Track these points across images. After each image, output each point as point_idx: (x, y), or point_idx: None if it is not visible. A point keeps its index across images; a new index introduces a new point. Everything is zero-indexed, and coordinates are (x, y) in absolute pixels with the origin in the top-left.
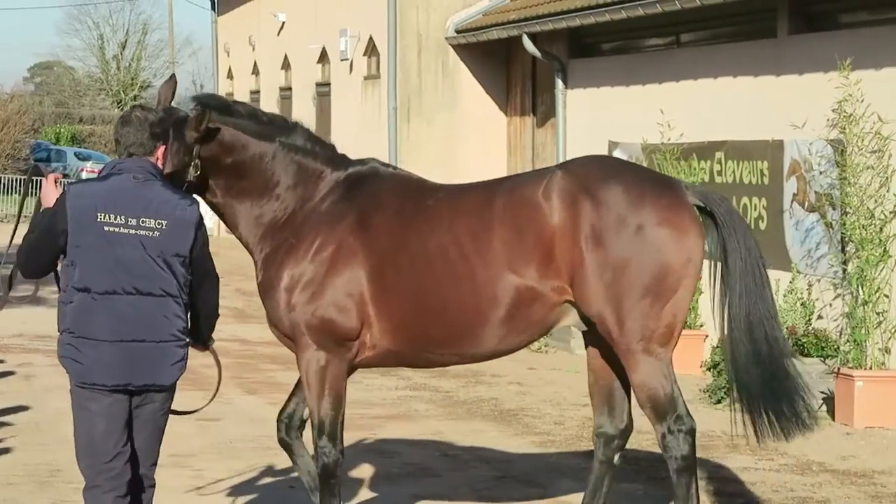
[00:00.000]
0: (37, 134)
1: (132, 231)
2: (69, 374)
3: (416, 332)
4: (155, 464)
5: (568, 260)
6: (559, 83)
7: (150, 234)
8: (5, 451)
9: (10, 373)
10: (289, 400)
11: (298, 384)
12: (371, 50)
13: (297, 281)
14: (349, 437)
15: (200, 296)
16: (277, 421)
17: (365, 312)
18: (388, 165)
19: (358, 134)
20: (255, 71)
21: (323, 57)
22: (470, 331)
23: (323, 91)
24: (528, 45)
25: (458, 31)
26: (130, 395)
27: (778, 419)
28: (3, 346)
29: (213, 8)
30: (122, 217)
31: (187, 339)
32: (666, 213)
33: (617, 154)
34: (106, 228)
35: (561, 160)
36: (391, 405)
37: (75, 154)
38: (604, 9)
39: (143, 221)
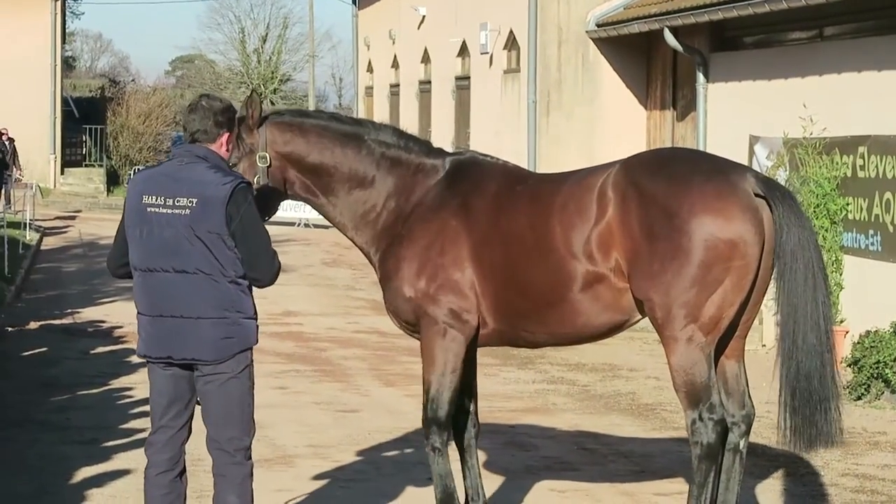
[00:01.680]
0: (178, 126)
1: (168, 211)
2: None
3: (507, 307)
4: (238, 439)
5: (622, 250)
6: (700, 77)
7: (182, 212)
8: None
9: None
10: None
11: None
12: (511, 43)
13: (414, 268)
14: (487, 430)
15: (247, 271)
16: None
17: (473, 290)
18: (486, 156)
19: (497, 128)
20: (395, 64)
21: (463, 50)
22: (550, 308)
23: (462, 84)
24: (670, 38)
25: (598, 25)
26: (182, 369)
27: (808, 427)
28: (134, 336)
29: (353, 2)
30: (161, 198)
31: (241, 317)
32: (709, 202)
33: (758, 149)
34: (148, 210)
35: None
36: (529, 398)
37: None
38: (746, 2)
39: (177, 201)
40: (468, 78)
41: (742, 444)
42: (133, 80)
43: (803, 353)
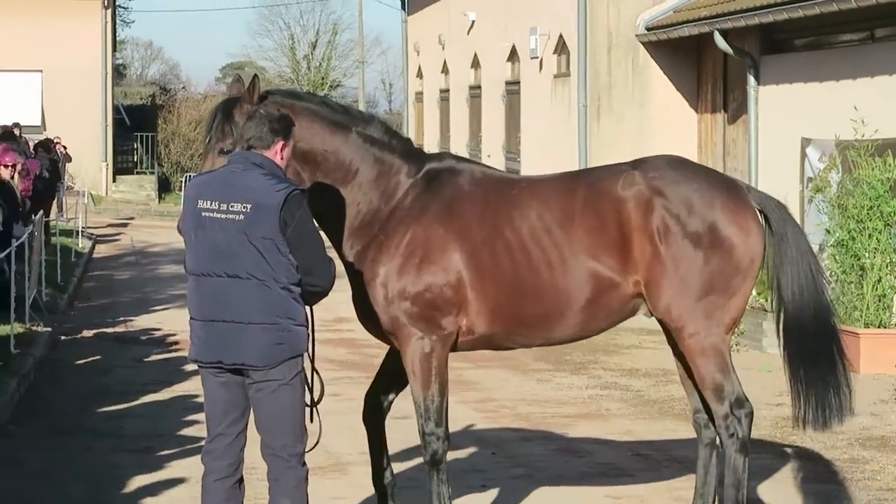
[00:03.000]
0: None
1: (222, 215)
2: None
3: (512, 314)
4: (290, 445)
5: (643, 256)
6: (751, 80)
7: (236, 217)
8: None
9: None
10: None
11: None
12: (561, 48)
13: (393, 275)
14: (540, 437)
15: (302, 279)
16: (367, 401)
17: (463, 297)
18: (461, 158)
19: (547, 132)
20: (445, 69)
21: (512, 55)
22: (560, 313)
23: (512, 89)
24: (720, 41)
25: (648, 29)
26: (235, 374)
27: (823, 410)
28: (188, 344)
29: (402, 7)
30: (216, 203)
31: (292, 323)
32: (735, 216)
33: (810, 151)
34: (203, 214)
35: (752, 158)
36: (582, 404)
37: None
38: (797, 4)
39: (231, 206)
40: (518, 83)
41: (717, 438)
42: (184, 88)
43: (817, 346)
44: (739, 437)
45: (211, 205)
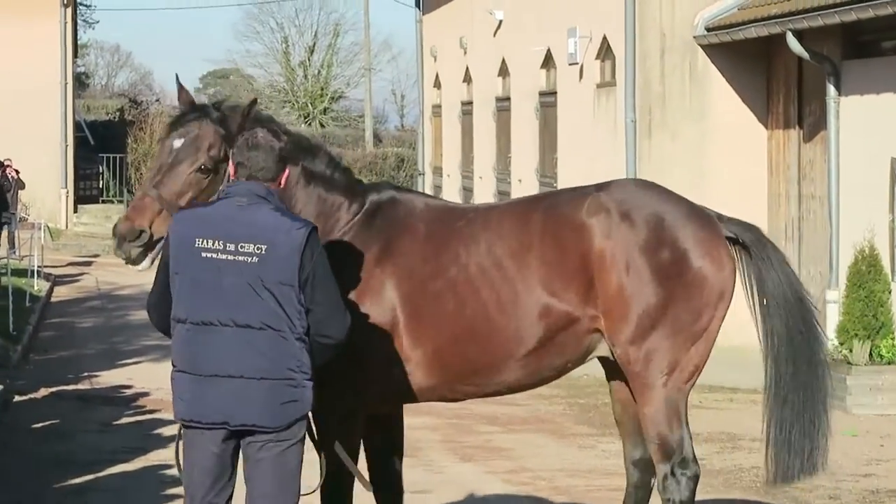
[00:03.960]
0: None
1: (230, 257)
2: (174, 412)
3: (455, 361)
4: None
5: (604, 288)
6: (831, 89)
7: (249, 259)
8: None
9: None
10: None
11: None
12: (605, 52)
13: None
14: None
15: (313, 329)
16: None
17: (399, 344)
18: (402, 189)
19: (589, 151)
20: (467, 78)
21: (548, 61)
22: (510, 357)
23: (547, 101)
24: (794, 43)
25: (708, 29)
26: (234, 436)
27: (795, 458)
28: (164, 403)
29: (417, 5)
30: (220, 242)
31: (304, 378)
32: (706, 248)
33: None
34: (203, 255)
35: (833, 181)
36: None
37: None
38: (884, 0)
39: (241, 247)
40: (554, 93)
41: (653, 482)
42: (157, 101)
43: (807, 371)
44: (678, 501)
45: (214, 244)
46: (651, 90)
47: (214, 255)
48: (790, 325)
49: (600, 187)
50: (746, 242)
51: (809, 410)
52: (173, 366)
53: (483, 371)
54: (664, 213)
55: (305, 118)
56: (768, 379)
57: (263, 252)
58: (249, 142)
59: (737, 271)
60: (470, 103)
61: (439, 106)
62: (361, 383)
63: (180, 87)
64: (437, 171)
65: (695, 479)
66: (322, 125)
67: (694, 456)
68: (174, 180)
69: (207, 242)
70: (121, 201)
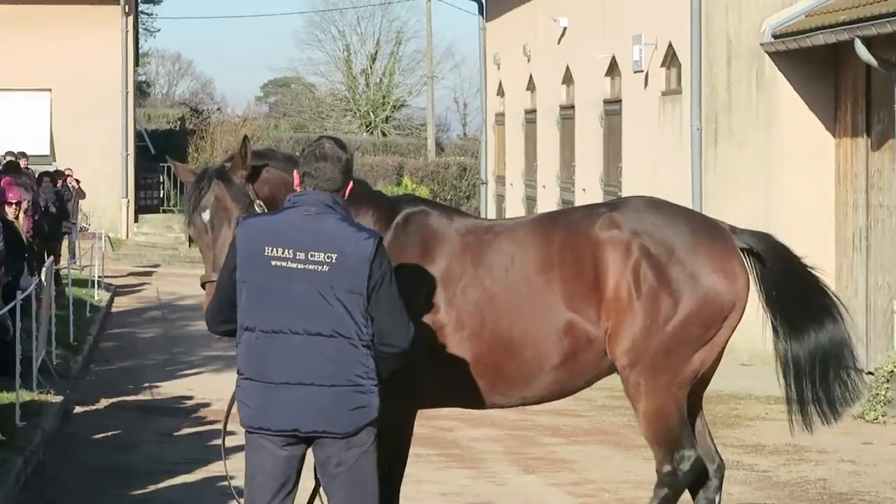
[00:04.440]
0: None
1: (300, 266)
2: (240, 419)
3: (489, 371)
4: None
5: (616, 303)
6: None
7: (319, 268)
8: None
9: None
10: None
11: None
12: (670, 60)
13: None
14: None
15: (377, 338)
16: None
17: (441, 350)
18: (429, 202)
19: (654, 160)
20: (531, 86)
21: (612, 69)
22: (540, 370)
23: (612, 109)
24: (862, 50)
25: (775, 36)
26: (303, 443)
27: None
28: (236, 416)
29: (480, 12)
30: (290, 251)
31: (372, 384)
32: (719, 262)
33: None
34: (273, 263)
35: None
36: None
37: None
38: None
39: (311, 255)
40: (619, 101)
41: (717, 498)
42: (219, 109)
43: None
44: (671, 496)
45: (284, 253)
46: (717, 98)
47: (284, 264)
48: (814, 330)
49: (613, 206)
50: (760, 252)
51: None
52: (239, 374)
53: (514, 382)
54: (676, 231)
55: (367, 127)
56: (789, 379)
57: (334, 261)
58: (317, 153)
59: (751, 281)
60: (533, 111)
61: (502, 114)
62: (413, 388)
63: (176, 167)
64: (500, 180)
65: (693, 471)
66: (384, 134)
67: (697, 451)
68: (224, 250)
69: (277, 251)
70: (182, 211)
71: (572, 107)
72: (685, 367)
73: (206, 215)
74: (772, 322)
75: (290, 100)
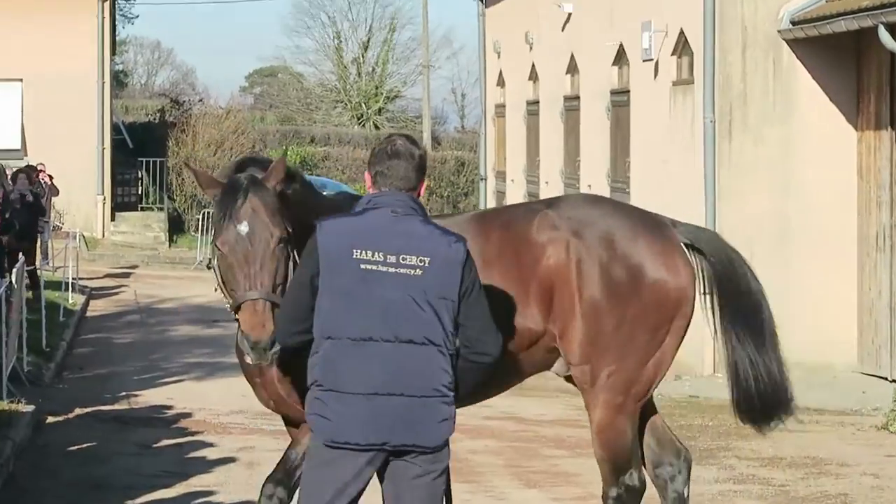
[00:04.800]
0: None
1: (391, 269)
2: (315, 433)
3: None
4: None
5: (560, 305)
6: None
7: (412, 272)
8: None
9: (231, 459)
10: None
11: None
12: (682, 48)
13: None
14: None
15: (467, 347)
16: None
17: None
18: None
19: (665, 154)
20: (534, 76)
21: (620, 57)
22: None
23: (619, 101)
24: (886, 38)
25: (794, 23)
26: (382, 457)
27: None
28: (220, 426)
29: None
30: (381, 254)
31: (453, 396)
32: (661, 259)
33: None
34: (363, 266)
35: None
36: (710, 503)
37: None
38: None
39: (403, 258)
40: (627, 92)
41: (686, 491)
42: (201, 100)
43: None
44: None
45: (374, 256)
46: (732, 88)
47: (374, 268)
48: (748, 324)
49: (550, 204)
50: (702, 248)
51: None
52: (317, 385)
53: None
54: (615, 228)
55: (359, 119)
56: (731, 375)
57: (426, 265)
58: (388, 150)
59: (696, 277)
60: (536, 103)
61: (503, 105)
62: None
63: (196, 174)
64: (500, 175)
65: (640, 494)
66: (377, 126)
67: (641, 473)
68: (268, 269)
69: (366, 254)
70: (161, 209)
71: (577, 98)
72: (638, 375)
73: (243, 227)
74: (712, 320)
75: (276, 90)
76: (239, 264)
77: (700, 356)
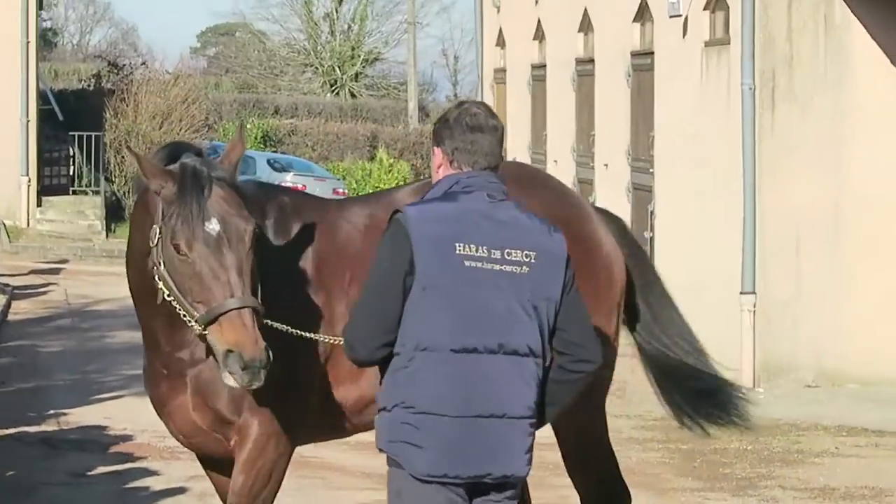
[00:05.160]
0: (211, 132)
1: (497, 267)
2: (404, 465)
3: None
4: None
5: None
6: None
7: (518, 270)
8: None
9: (179, 490)
10: None
11: None
12: (716, 1)
13: None
14: None
15: (567, 355)
16: None
17: None
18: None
19: (695, 127)
20: (539, 35)
21: (642, 13)
22: None
23: (641, 64)
24: None
25: None
26: (474, 491)
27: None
28: (166, 451)
29: None
30: (484, 248)
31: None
32: (592, 237)
33: None
34: (467, 263)
35: None
36: None
37: (268, 162)
38: None
39: (508, 254)
40: (650, 54)
41: None
42: (144, 64)
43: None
44: None
45: (478, 251)
46: (775, 50)
47: (479, 265)
48: (656, 319)
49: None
50: (612, 232)
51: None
52: (405, 407)
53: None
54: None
55: (332, 86)
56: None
57: (533, 260)
58: (467, 122)
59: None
60: (542, 67)
61: (503, 70)
62: (299, 418)
63: (140, 161)
64: None
65: None
66: (353, 95)
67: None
68: (247, 271)
69: (469, 248)
70: (96, 192)
71: (591, 61)
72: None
73: (212, 225)
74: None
75: (234, 52)
76: (212, 269)
77: (737, 366)
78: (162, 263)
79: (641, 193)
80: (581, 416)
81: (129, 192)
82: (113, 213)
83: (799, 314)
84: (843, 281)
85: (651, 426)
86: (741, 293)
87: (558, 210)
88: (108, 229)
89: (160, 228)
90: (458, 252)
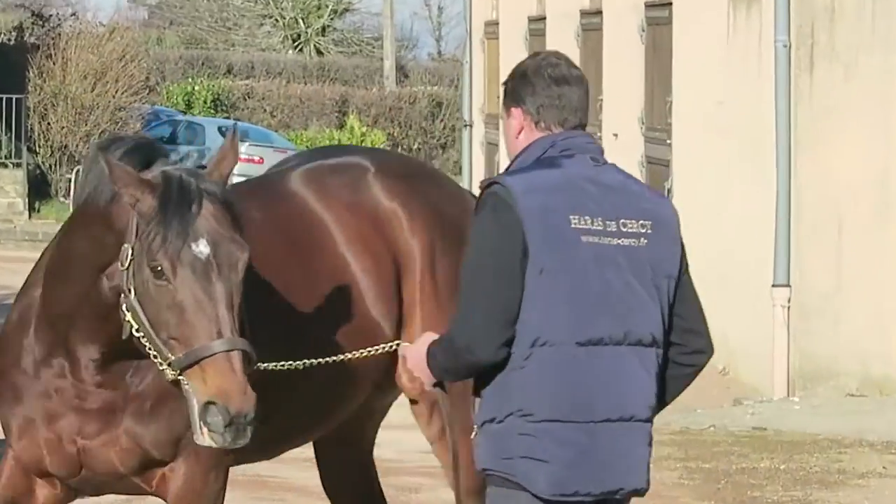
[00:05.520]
0: (153, 95)
1: (615, 241)
2: (525, 483)
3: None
4: None
5: None
6: None
7: (636, 243)
8: None
9: None
10: None
11: None
12: None
13: None
14: None
15: (681, 346)
16: None
17: None
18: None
19: (721, 90)
20: None
21: None
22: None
23: (657, 17)
24: None
25: None
26: None
27: None
28: None
29: None
30: (600, 220)
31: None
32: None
33: None
34: (584, 239)
35: None
36: None
37: (219, 130)
38: None
39: (623, 224)
40: (668, 5)
41: None
42: (73, 15)
43: None
44: None
45: (594, 224)
46: (814, 3)
47: (597, 240)
48: None
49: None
50: None
51: None
52: (522, 415)
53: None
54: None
55: (294, 41)
56: None
57: (649, 230)
58: (550, 73)
59: None
60: (542, 19)
61: (495, 23)
62: None
63: (111, 166)
64: (492, 120)
65: None
66: (319, 52)
67: None
68: (237, 306)
69: (585, 220)
70: (18, 164)
71: (599, 13)
72: None
73: (201, 247)
74: None
75: (179, 2)
76: (196, 300)
77: (769, 374)
78: (133, 291)
79: (657, 168)
80: None
81: (56, 164)
82: (37, 189)
83: (841, 310)
84: (893, 271)
85: (668, 441)
86: (773, 286)
87: (449, 208)
88: (32, 208)
89: (132, 249)
90: (573, 226)
